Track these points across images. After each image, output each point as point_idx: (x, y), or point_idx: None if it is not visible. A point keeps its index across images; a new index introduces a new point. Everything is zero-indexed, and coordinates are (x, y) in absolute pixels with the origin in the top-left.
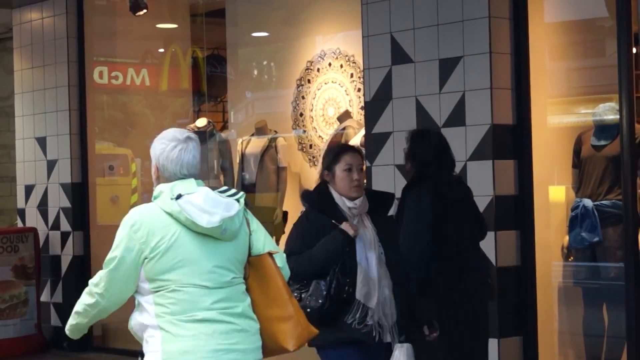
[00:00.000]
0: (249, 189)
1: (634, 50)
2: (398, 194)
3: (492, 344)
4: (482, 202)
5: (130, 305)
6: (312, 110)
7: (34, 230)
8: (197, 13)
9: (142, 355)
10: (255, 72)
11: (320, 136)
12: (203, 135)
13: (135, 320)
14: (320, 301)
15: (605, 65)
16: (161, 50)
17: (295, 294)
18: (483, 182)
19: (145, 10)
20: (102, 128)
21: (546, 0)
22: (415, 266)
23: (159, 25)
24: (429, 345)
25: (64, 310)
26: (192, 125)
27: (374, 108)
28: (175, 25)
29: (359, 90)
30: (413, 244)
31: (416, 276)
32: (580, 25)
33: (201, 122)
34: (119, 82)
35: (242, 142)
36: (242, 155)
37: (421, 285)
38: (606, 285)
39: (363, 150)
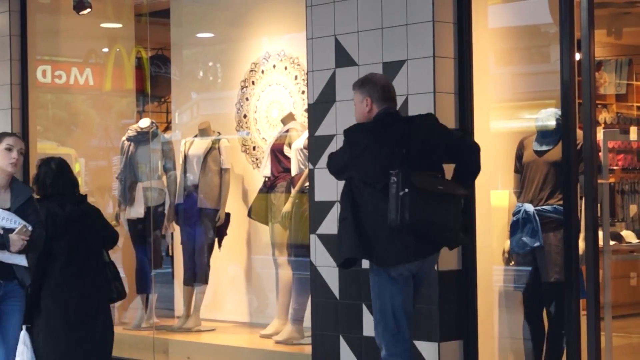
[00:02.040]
0: (192, 190)
1: (577, 56)
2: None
3: (432, 347)
4: None
5: None
6: (255, 112)
7: None
8: (142, 13)
9: None
10: (200, 73)
11: (263, 138)
12: (146, 136)
13: None
14: None
15: (550, 71)
16: (105, 49)
17: None
18: None
19: (89, 10)
20: (46, 127)
21: (490, 5)
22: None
23: (103, 25)
24: None
25: None
26: (135, 126)
27: (317, 110)
28: (119, 25)
29: (303, 92)
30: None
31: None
32: (524, 31)
33: (144, 122)
34: (62, 82)
35: (185, 143)
36: (185, 157)
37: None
38: (547, 290)
39: (306, 152)
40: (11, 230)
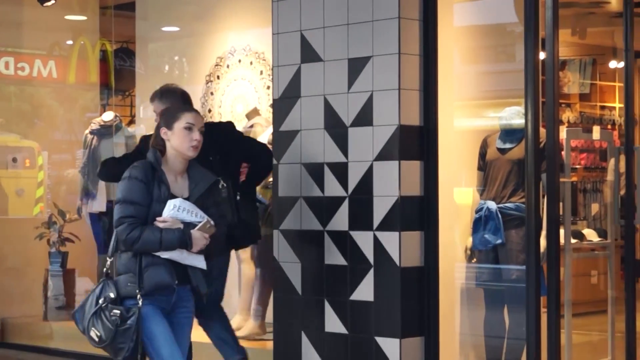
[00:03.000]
0: None
1: (541, 55)
2: (304, 193)
3: (394, 343)
4: (387, 202)
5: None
6: (220, 106)
7: None
8: (107, 5)
9: None
10: (166, 67)
11: None
12: (109, 130)
13: None
14: None
15: (515, 70)
16: (69, 42)
17: None
18: (389, 183)
19: (53, 1)
20: (8, 120)
21: (456, 3)
22: None
23: (68, 17)
24: None
25: None
26: (98, 119)
27: (282, 106)
28: (84, 18)
29: (268, 87)
30: None
31: None
32: (490, 29)
33: (107, 116)
34: (26, 74)
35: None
36: None
37: None
38: (508, 288)
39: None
40: (192, 226)
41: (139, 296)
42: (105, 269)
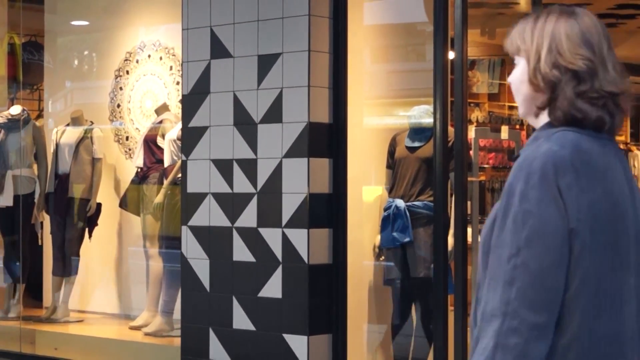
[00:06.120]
0: (63, 179)
1: (451, 55)
2: (213, 189)
3: (301, 341)
4: (296, 199)
5: None
6: (129, 101)
7: None
8: None
9: None
10: (75, 62)
11: (137, 128)
12: (17, 124)
13: None
14: None
15: (424, 69)
16: None
17: None
18: (298, 180)
19: None
20: None
21: (366, 2)
22: None
23: None
24: None
25: None
26: (5, 113)
27: (191, 102)
28: None
29: (177, 83)
30: None
31: None
32: (400, 29)
33: (15, 109)
34: None
35: (57, 132)
36: (57, 145)
37: None
38: (415, 286)
39: (179, 143)
40: None
41: None
42: None
